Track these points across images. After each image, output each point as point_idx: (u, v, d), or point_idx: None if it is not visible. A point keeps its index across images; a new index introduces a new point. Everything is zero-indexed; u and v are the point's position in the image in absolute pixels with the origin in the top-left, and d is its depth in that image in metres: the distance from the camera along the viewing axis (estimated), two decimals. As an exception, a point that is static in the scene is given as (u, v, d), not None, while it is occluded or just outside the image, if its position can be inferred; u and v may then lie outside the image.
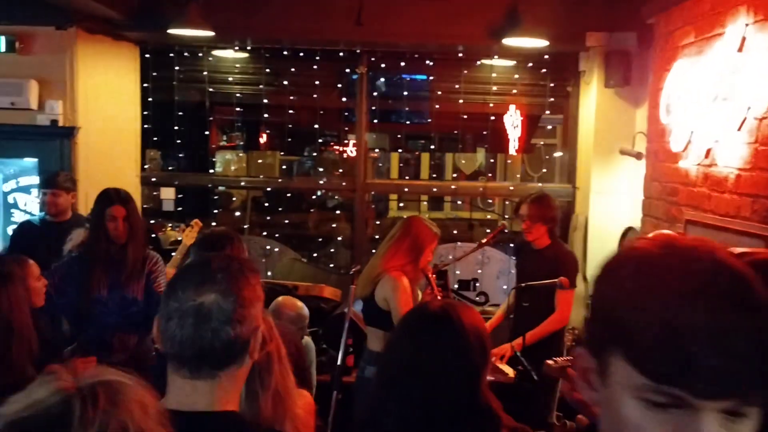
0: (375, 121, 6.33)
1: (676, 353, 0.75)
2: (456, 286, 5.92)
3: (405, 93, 6.33)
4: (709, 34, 3.75)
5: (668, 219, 4.21)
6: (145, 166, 6.27)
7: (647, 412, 0.77)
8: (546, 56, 5.84)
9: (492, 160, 7.46)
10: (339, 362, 3.60)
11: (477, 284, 6.11)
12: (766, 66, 3.15)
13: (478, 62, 6.13)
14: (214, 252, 2.47)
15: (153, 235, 5.91)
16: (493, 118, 6.30)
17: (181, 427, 1.30)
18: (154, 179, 6.26)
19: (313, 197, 7.14)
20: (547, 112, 6.40)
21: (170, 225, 6.52)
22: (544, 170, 6.67)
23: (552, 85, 6.07)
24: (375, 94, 6.29)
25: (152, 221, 6.19)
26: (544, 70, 6.02)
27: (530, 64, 6.04)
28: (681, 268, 0.79)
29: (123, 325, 3.59)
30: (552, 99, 6.15)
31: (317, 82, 6.19)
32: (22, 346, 2.23)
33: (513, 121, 6.48)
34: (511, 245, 5.95)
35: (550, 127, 7.17)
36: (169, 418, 1.26)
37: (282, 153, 7.57)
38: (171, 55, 6.07)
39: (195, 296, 1.42)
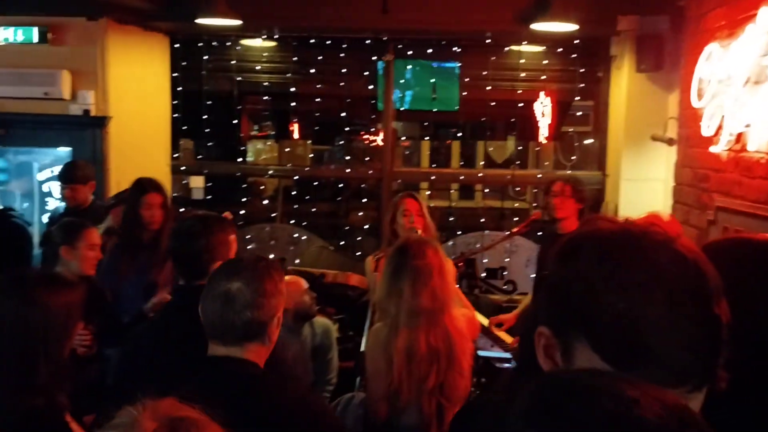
0: (402, 109, 6.30)
1: (635, 343, 0.78)
2: (483, 274, 5.89)
3: (432, 80, 6.29)
4: (740, 16, 3.64)
5: (699, 206, 4.11)
6: (176, 155, 6.35)
7: None
8: (576, 41, 5.74)
9: (520, 148, 7.38)
10: (362, 349, 3.61)
11: (504, 273, 6.06)
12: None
13: (507, 48, 6.06)
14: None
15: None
16: (521, 105, 6.22)
17: (217, 365, 1.77)
18: (183, 168, 6.34)
19: (341, 186, 7.15)
20: (577, 98, 6.29)
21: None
22: (574, 158, 6.58)
23: (582, 70, 5.97)
24: (402, 81, 6.27)
25: (182, 209, 6.27)
26: (574, 56, 5.93)
27: (560, 50, 5.95)
28: (638, 259, 0.81)
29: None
30: (582, 85, 6.05)
31: (344, 71, 6.19)
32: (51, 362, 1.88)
33: (542, 108, 6.40)
34: (539, 234, 5.89)
35: (580, 113, 7.05)
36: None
37: (310, 142, 7.60)
38: (200, 44, 6.14)
39: (225, 284, 1.77)
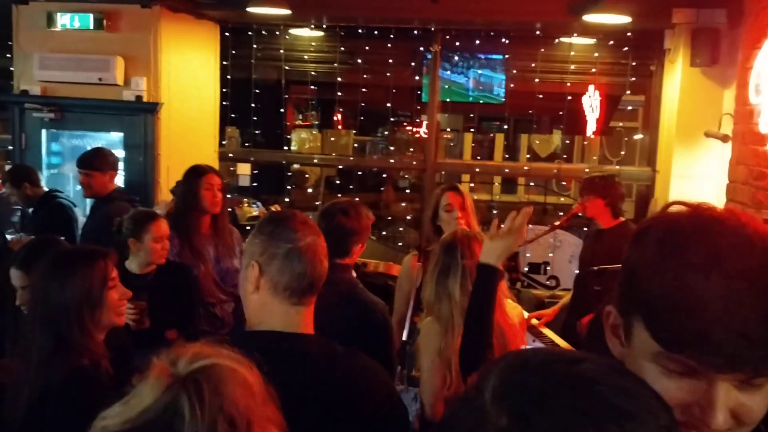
0: (447, 100, 6.26)
1: (688, 325, 0.76)
2: (526, 268, 5.84)
3: (479, 72, 6.24)
4: (806, 7, 3.51)
5: (754, 204, 3.99)
6: (224, 142, 6.44)
7: (662, 377, 0.79)
8: (628, 33, 5.62)
9: (567, 142, 7.28)
10: (404, 338, 3.62)
11: (548, 268, 6.00)
12: None
13: (556, 40, 5.97)
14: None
15: (230, 210, 6.08)
16: (570, 98, 6.12)
17: (286, 344, 1.60)
18: (231, 155, 6.43)
19: (384, 176, 7.17)
20: (628, 92, 6.16)
21: (247, 201, 6.69)
22: (623, 153, 6.46)
23: (634, 63, 5.84)
24: (448, 72, 6.22)
25: (229, 196, 6.36)
26: (625, 48, 5.80)
27: (611, 42, 5.83)
28: (702, 241, 0.78)
29: (223, 300, 3.64)
30: (633, 78, 5.92)
31: (390, 61, 6.18)
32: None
33: (591, 102, 6.29)
34: (585, 229, 5.81)
35: (630, 108, 6.92)
36: (274, 339, 1.57)
37: (354, 132, 7.62)
38: (249, 33, 6.20)
39: (302, 237, 1.67)
